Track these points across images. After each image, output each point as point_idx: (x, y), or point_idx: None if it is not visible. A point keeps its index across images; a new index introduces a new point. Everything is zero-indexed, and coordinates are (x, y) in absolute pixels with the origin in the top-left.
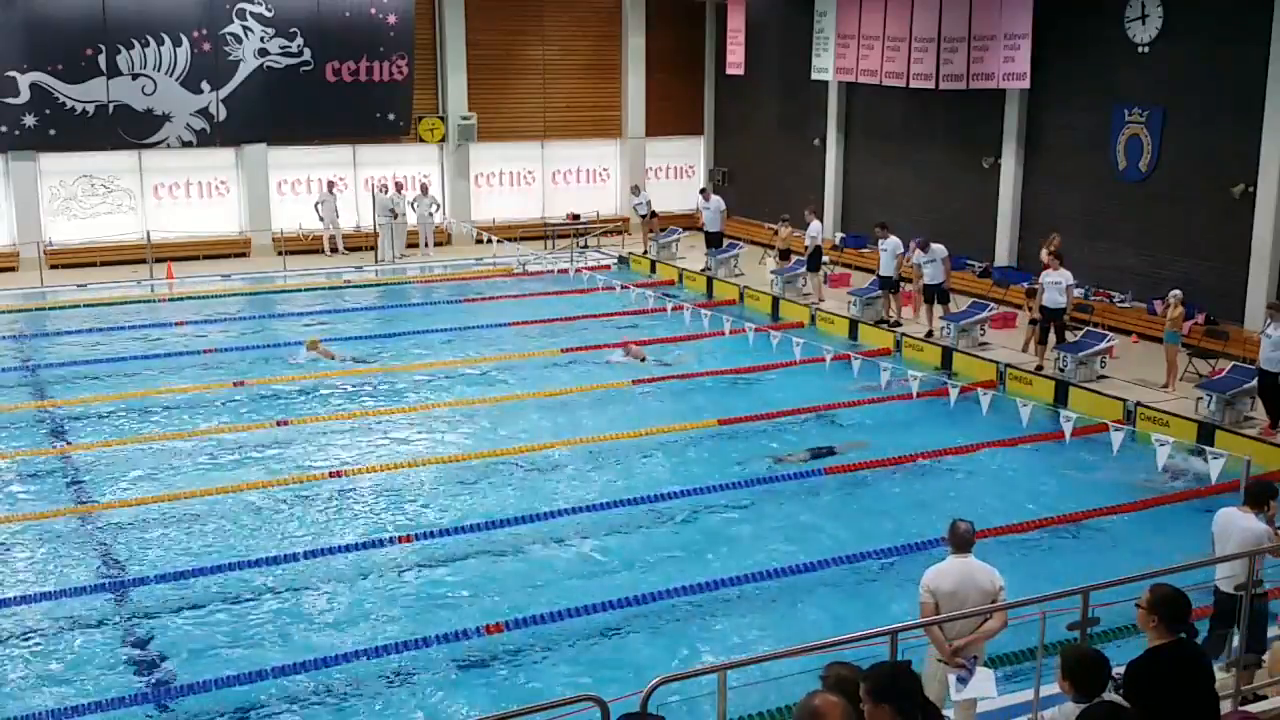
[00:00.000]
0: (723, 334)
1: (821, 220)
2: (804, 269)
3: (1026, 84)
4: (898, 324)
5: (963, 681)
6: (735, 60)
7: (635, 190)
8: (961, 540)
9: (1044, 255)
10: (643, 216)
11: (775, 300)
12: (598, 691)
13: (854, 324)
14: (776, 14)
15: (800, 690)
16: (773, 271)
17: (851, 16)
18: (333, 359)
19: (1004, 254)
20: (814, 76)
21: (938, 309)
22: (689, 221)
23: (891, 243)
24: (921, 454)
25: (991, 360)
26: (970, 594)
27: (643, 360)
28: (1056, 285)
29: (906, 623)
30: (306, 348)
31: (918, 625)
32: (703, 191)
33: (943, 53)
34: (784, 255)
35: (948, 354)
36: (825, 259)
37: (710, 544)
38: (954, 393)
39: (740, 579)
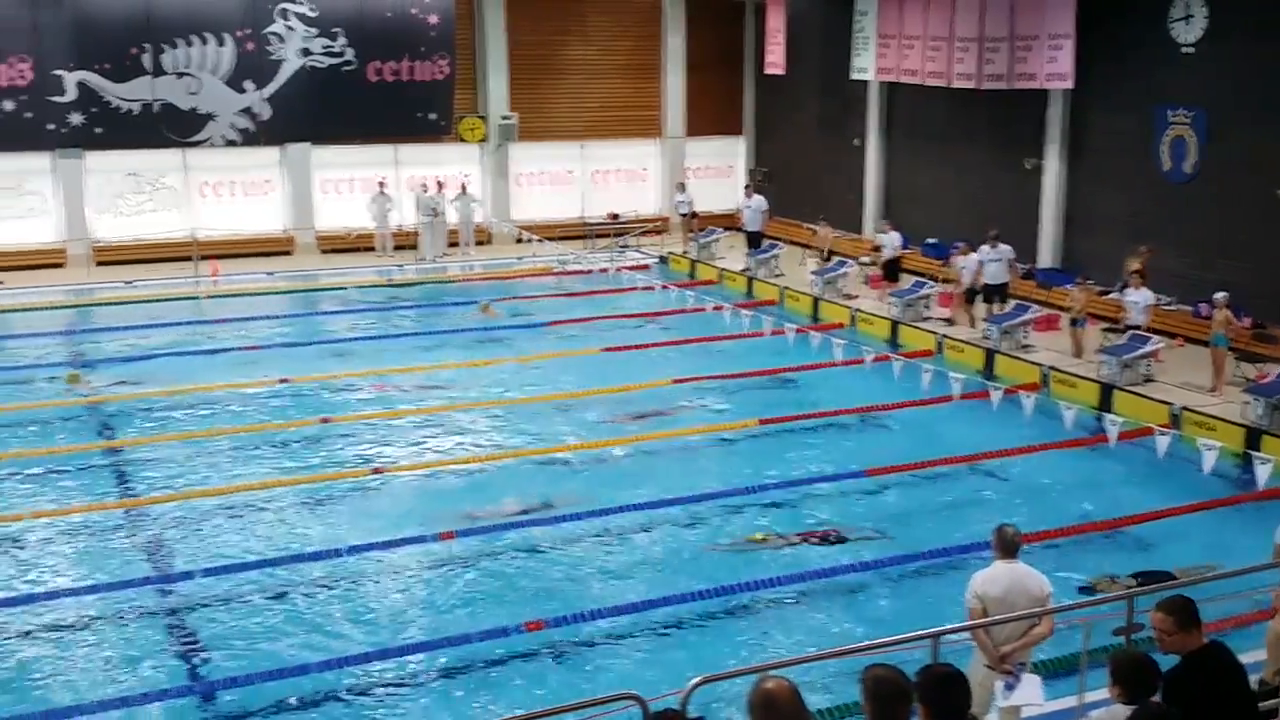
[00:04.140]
0: (763, 334)
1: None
2: (845, 271)
3: (1070, 84)
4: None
5: (1010, 687)
6: (775, 60)
7: (680, 188)
8: (1009, 545)
9: (1131, 271)
10: (684, 215)
11: (815, 301)
12: (638, 690)
13: (895, 325)
14: (816, 13)
15: (842, 691)
16: (813, 272)
17: (892, 16)
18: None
19: (1047, 256)
20: (854, 76)
21: (981, 309)
22: (728, 222)
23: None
24: (964, 457)
25: (1035, 363)
26: (1019, 599)
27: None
28: (1136, 305)
29: (950, 626)
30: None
31: (964, 629)
32: (746, 189)
33: (985, 52)
34: (825, 256)
35: (990, 356)
36: (865, 259)
37: (751, 544)
38: (996, 395)
39: (782, 580)
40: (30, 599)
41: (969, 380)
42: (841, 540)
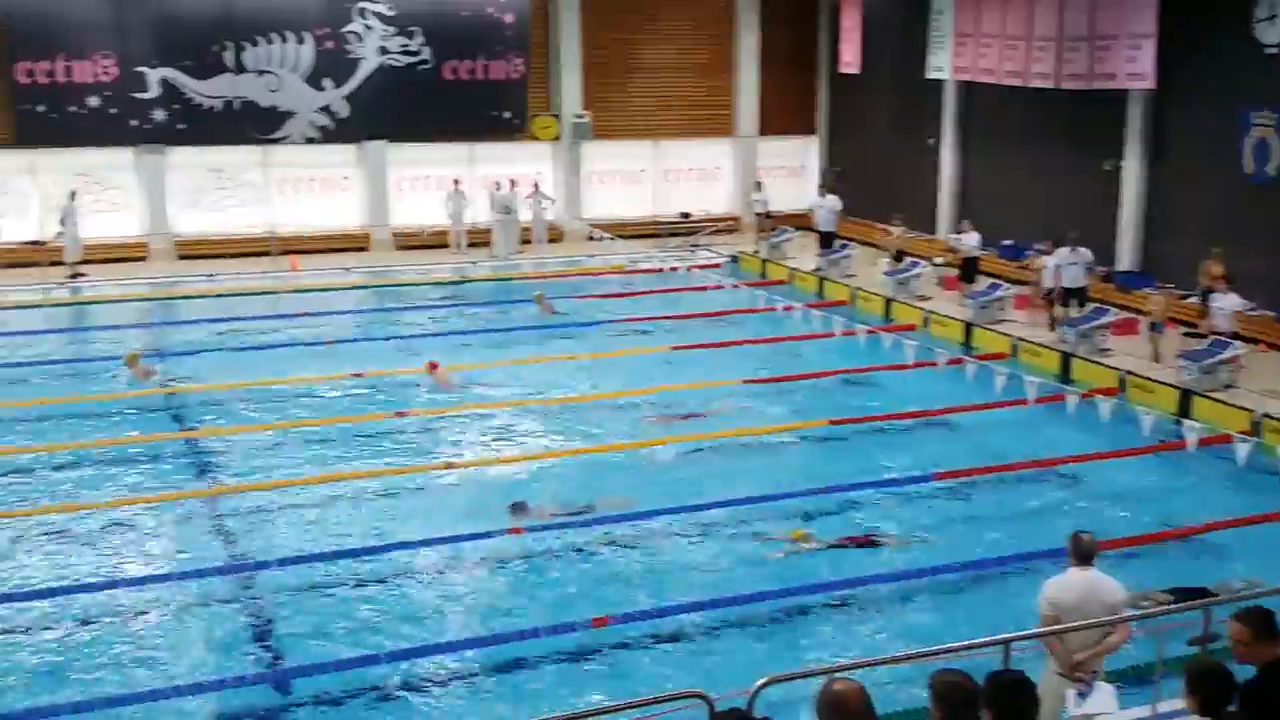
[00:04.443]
0: (833, 335)
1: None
2: (918, 272)
3: (1151, 84)
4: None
5: (1083, 696)
6: (849, 59)
7: (757, 186)
8: (1084, 552)
9: (1215, 276)
10: (758, 214)
11: (888, 302)
12: (704, 688)
13: (969, 327)
14: (892, 12)
15: (909, 696)
16: (885, 273)
17: (969, 15)
18: (451, 386)
19: (1126, 258)
20: (930, 75)
21: (1059, 311)
22: (800, 221)
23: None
24: (1038, 462)
25: (1113, 367)
26: (1093, 607)
27: (450, 386)
28: (1223, 310)
29: (1022, 632)
30: (427, 369)
31: (1035, 635)
32: (821, 189)
33: (1064, 51)
34: (897, 256)
35: (1066, 360)
36: (939, 260)
37: (794, 542)
38: (1073, 399)
39: (852, 582)
40: (112, 584)
41: (1044, 384)
42: (874, 544)
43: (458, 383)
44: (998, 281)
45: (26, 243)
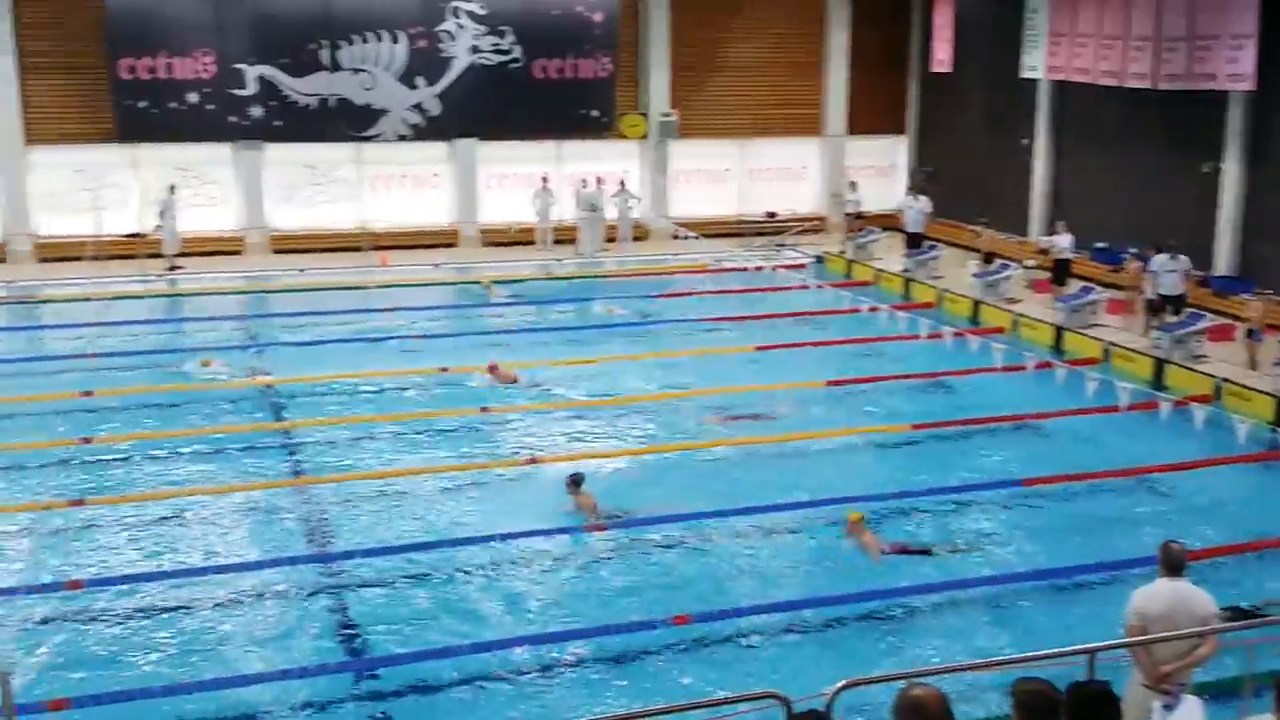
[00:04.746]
0: (919, 338)
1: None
2: (1008, 274)
3: (1251, 86)
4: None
5: (1169, 709)
6: (942, 57)
7: (852, 186)
8: (1174, 562)
9: None
10: (849, 215)
11: (975, 304)
12: (782, 689)
13: (1059, 331)
14: (985, 10)
15: (991, 703)
16: (974, 275)
17: (1065, 14)
18: (514, 382)
19: (1223, 263)
20: (1024, 74)
21: (1155, 318)
22: (888, 222)
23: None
24: (1128, 470)
25: (1208, 374)
26: (1182, 618)
27: (513, 381)
28: None
29: (1108, 642)
30: (487, 371)
31: (1122, 645)
32: (911, 190)
33: (1162, 52)
34: (986, 258)
35: (1160, 366)
36: (1030, 262)
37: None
38: (1165, 406)
39: (936, 587)
40: (202, 571)
41: (1137, 390)
42: (925, 553)
43: (522, 379)
44: (1090, 285)
45: (127, 235)
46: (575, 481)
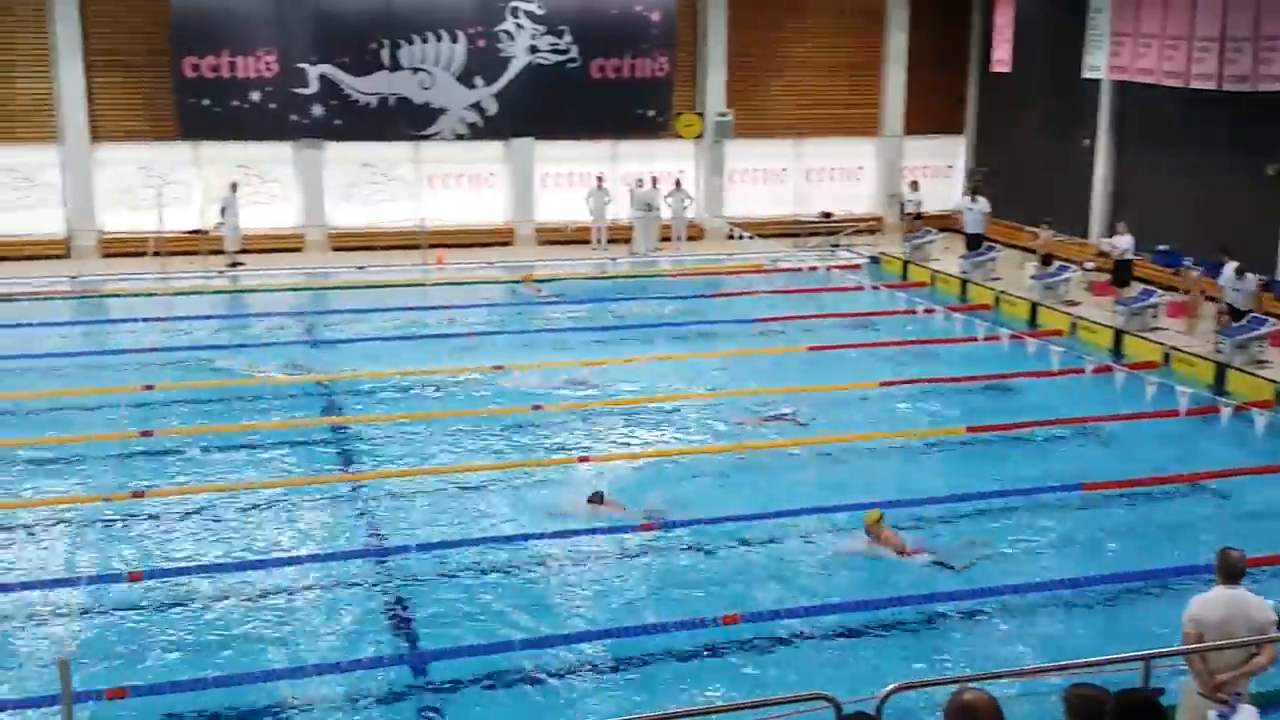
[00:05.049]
0: (975, 340)
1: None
2: (1066, 276)
3: None
4: None
5: (1224, 718)
6: (1001, 57)
7: (914, 186)
8: (1232, 570)
9: None
10: (908, 215)
11: (1033, 306)
12: (833, 691)
13: (1119, 334)
14: (1047, 10)
15: (1044, 709)
16: (1032, 277)
17: (1128, 13)
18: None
19: None
20: (1085, 74)
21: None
22: (946, 222)
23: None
24: (1187, 475)
25: (1270, 379)
26: (1239, 627)
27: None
28: None
29: (1163, 649)
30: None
31: (1177, 653)
32: (969, 191)
33: (1227, 52)
34: (1045, 260)
35: (1221, 371)
36: (1090, 264)
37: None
38: (1226, 411)
39: (991, 591)
40: (259, 564)
41: (1197, 395)
42: (949, 568)
43: (585, 378)
44: (1150, 288)
45: (189, 232)
46: (598, 499)
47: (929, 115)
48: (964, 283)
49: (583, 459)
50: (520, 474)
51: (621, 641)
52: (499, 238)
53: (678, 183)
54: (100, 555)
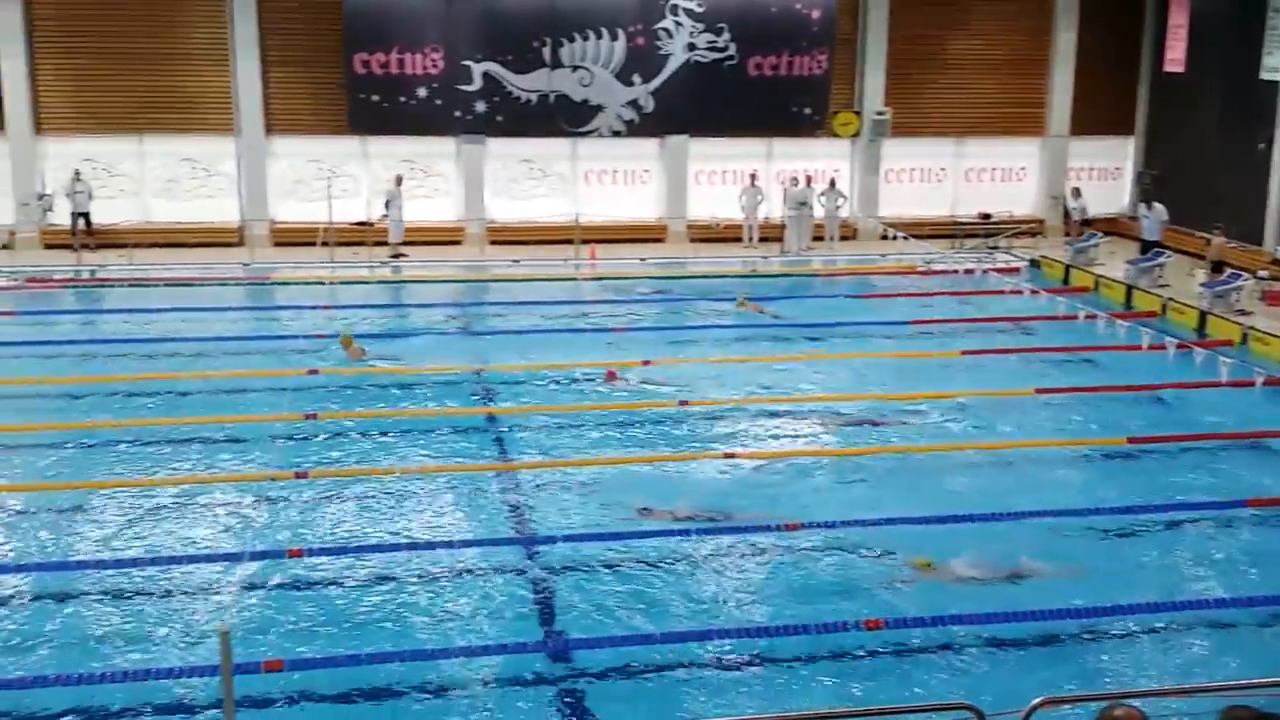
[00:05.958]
0: (1139, 348)
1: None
2: (1239, 284)
3: None
4: None
5: None
6: (1175, 57)
7: (1076, 193)
8: None
9: None
10: (1074, 220)
11: (1202, 315)
12: (975, 703)
13: None
14: (1224, 10)
15: None
16: (1201, 284)
17: None
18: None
19: None
20: (1264, 76)
21: None
22: (1111, 226)
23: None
24: None
25: None
26: None
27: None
28: None
29: None
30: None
31: None
32: (1143, 199)
33: None
34: (1216, 267)
35: None
36: (1264, 273)
37: (1112, 567)
38: None
39: (1139, 608)
40: (411, 546)
41: None
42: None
43: (729, 375)
44: None
45: (355, 223)
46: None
47: (1096, 116)
48: (1129, 289)
49: (728, 455)
50: (662, 468)
51: (759, 640)
52: (652, 234)
53: (832, 181)
54: (262, 531)
